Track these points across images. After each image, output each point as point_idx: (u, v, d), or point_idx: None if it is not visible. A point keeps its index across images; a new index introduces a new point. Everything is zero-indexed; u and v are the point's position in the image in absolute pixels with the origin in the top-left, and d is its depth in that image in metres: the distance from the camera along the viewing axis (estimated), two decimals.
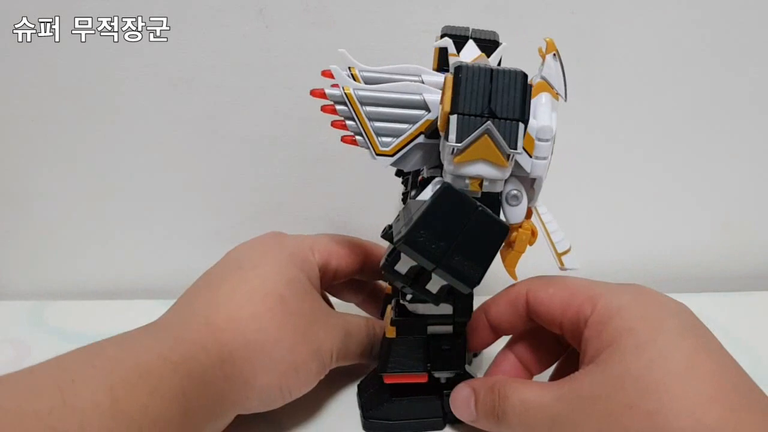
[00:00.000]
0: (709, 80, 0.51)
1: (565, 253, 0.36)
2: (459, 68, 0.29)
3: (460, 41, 0.36)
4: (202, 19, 0.47)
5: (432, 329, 0.37)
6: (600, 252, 0.54)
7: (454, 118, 0.29)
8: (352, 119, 0.32)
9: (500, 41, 0.37)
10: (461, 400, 0.36)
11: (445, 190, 0.30)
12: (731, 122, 0.53)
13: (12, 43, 0.47)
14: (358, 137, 0.33)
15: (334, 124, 0.33)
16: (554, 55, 0.33)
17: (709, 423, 0.27)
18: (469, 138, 0.29)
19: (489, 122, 0.29)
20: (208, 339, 0.32)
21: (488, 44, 0.37)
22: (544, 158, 0.32)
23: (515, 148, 0.30)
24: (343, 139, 0.33)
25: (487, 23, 0.47)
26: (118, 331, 0.47)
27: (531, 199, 0.34)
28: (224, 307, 0.34)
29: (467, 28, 0.37)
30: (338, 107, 0.32)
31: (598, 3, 0.48)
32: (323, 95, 0.32)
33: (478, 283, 0.31)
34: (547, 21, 0.48)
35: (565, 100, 0.33)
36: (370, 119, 0.32)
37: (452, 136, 0.29)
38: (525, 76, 0.30)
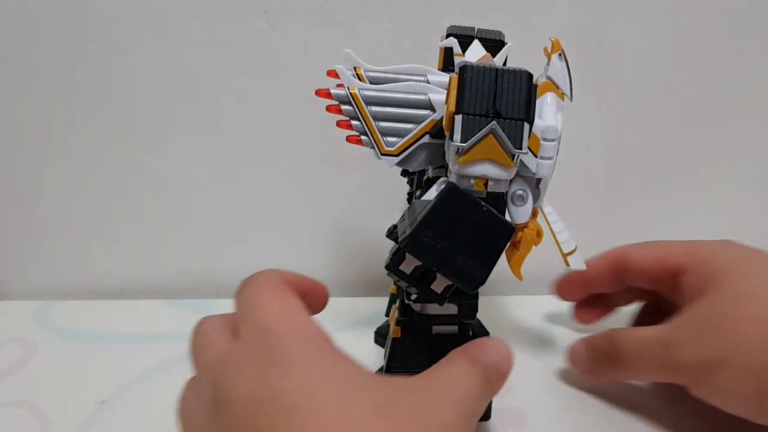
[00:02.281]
0: (717, 79, 0.51)
1: (570, 253, 0.36)
2: (464, 68, 0.29)
3: (465, 41, 0.36)
4: (207, 20, 0.47)
5: (437, 329, 0.37)
6: None
7: (458, 118, 0.29)
8: (358, 119, 0.32)
9: (506, 41, 0.37)
10: (576, 351, 0.40)
11: (450, 190, 0.30)
12: (738, 122, 0.52)
13: (15, 43, 0.47)
14: (363, 137, 0.33)
15: (339, 124, 0.33)
16: (560, 54, 0.33)
17: None
18: (473, 138, 0.29)
19: (494, 122, 0.29)
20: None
21: (494, 44, 0.37)
22: (550, 158, 0.32)
23: (520, 148, 0.29)
24: (349, 138, 0.33)
25: (492, 23, 0.47)
26: (123, 330, 0.47)
27: (536, 199, 0.34)
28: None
29: (473, 28, 0.37)
30: (343, 107, 0.32)
31: (603, 2, 0.48)
32: (328, 95, 0.32)
33: (483, 283, 0.31)
34: (553, 20, 0.48)
35: (571, 100, 0.33)
36: (375, 119, 0.32)
37: (457, 136, 0.29)
38: (530, 75, 0.30)
